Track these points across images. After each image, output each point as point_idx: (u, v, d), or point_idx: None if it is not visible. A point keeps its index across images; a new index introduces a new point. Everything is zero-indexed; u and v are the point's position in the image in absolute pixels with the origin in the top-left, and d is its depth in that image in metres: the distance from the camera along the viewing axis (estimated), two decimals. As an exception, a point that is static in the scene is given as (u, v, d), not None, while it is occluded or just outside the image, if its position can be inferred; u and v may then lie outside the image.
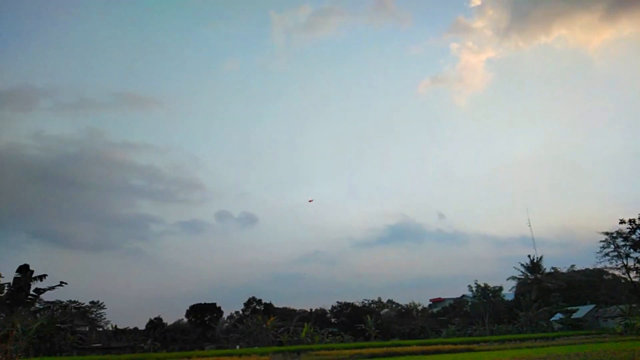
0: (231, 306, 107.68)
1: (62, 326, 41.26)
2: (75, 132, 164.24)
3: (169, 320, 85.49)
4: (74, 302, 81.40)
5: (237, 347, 65.25)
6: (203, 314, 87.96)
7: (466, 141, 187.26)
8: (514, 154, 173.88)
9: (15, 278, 21.43)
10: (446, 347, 40.40)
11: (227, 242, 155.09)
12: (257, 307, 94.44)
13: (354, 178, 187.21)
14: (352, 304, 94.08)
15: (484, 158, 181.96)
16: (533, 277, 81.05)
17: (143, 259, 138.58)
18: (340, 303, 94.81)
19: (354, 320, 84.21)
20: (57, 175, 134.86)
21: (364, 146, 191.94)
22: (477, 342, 47.93)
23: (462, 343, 45.53)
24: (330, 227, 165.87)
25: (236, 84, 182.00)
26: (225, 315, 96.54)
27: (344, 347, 47.30)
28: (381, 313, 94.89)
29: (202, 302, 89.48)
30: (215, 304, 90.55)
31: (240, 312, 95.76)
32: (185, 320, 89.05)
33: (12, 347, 21.24)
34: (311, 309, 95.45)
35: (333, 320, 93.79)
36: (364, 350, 39.40)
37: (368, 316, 79.32)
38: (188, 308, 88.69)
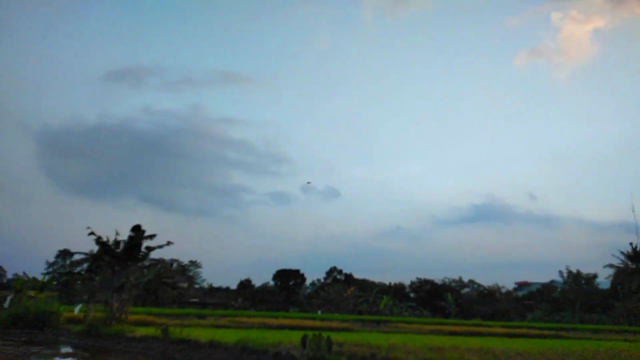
0: (313, 274, 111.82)
1: (168, 281, 46.55)
2: (179, 108, 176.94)
3: (257, 282, 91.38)
4: (176, 260, 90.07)
5: (319, 312, 68.28)
6: (288, 279, 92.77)
7: (565, 118, 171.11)
8: (618, 134, 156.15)
9: (129, 236, 24.41)
10: (532, 331, 38.91)
11: (311, 213, 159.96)
12: (338, 276, 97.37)
13: (441, 155, 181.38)
14: (432, 280, 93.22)
15: (584, 137, 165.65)
16: (634, 267, 73.89)
17: (236, 225, 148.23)
18: (420, 279, 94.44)
19: (432, 297, 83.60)
20: (163, 147, 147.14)
21: (453, 121, 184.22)
22: (566, 330, 45.47)
23: (549, 329, 43.50)
24: (414, 203, 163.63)
25: (327, 61, 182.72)
26: (307, 282, 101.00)
27: (424, 321, 47.50)
28: (462, 292, 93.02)
29: (287, 268, 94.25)
30: (299, 270, 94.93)
31: (322, 280, 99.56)
32: (272, 283, 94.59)
33: (125, 297, 24.53)
34: (390, 283, 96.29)
35: (412, 295, 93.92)
36: (444, 327, 39.35)
37: (449, 294, 78.26)
38: (274, 272, 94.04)
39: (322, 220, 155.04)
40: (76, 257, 28.83)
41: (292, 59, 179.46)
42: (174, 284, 57.10)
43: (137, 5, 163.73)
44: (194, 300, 68.62)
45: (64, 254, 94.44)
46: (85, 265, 32.75)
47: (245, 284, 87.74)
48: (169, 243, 25.15)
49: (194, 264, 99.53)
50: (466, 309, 79.80)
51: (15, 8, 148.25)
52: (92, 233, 23.67)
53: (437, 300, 79.63)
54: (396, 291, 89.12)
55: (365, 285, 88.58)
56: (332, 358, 13.17)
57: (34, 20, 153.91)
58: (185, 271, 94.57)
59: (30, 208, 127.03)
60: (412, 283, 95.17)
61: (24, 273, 35.10)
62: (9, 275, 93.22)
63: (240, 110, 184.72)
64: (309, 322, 36.82)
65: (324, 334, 14.08)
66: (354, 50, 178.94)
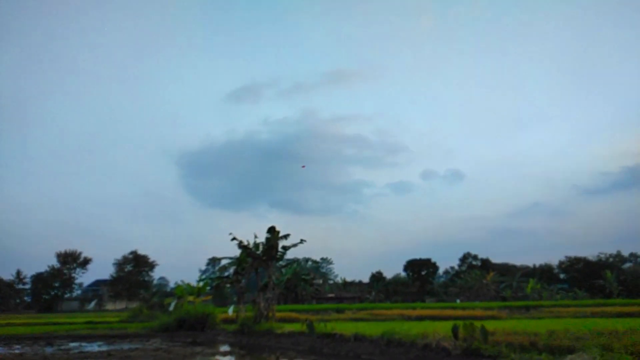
0: (445, 261, 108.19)
1: (306, 278, 48.57)
2: (293, 114, 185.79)
3: (388, 273, 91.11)
4: (308, 258, 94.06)
5: (457, 300, 65.41)
6: (419, 269, 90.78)
7: None
8: None
9: (266, 238, 25.71)
10: None
11: (435, 200, 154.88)
12: (473, 262, 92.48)
13: (579, 116, 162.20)
14: (584, 258, 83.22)
15: None
16: None
17: (360, 220, 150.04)
18: (570, 257, 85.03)
19: (587, 276, 74.68)
20: (284, 153, 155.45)
21: (585, 79, 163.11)
22: None
23: None
24: (551, 175, 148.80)
25: (431, 41, 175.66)
26: (440, 270, 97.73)
27: (582, 304, 42.49)
28: (623, 268, 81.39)
29: (417, 258, 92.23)
30: (430, 259, 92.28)
31: (456, 268, 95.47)
32: (403, 274, 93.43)
33: (270, 295, 25.79)
34: (534, 265, 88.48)
35: (562, 276, 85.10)
36: (608, 309, 34.57)
37: (607, 271, 69.05)
38: (405, 263, 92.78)
39: (448, 206, 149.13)
40: (223, 262, 31.22)
41: (395, 45, 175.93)
42: (310, 281, 59.52)
43: (245, 26, 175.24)
44: (331, 295, 70.74)
45: (213, 260, 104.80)
46: (231, 270, 35.42)
47: (377, 277, 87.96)
48: (302, 241, 25.93)
49: (325, 260, 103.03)
50: (632, 286, 69.63)
51: (150, 47, 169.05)
52: (234, 238, 25.46)
53: (594, 279, 70.86)
54: (542, 273, 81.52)
55: (505, 270, 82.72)
56: (489, 348, 12.04)
57: (163, 56, 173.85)
58: (319, 268, 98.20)
59: (182, 224, 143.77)
60: (561, 263, 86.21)
61: (182, 281, 39.43)
62: (171, 284, 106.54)
63: (351, 106, 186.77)
64: (449, 312, 35.22)
65: (477, 323, 12.97)
66: (460, 25, 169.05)
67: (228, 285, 73.63)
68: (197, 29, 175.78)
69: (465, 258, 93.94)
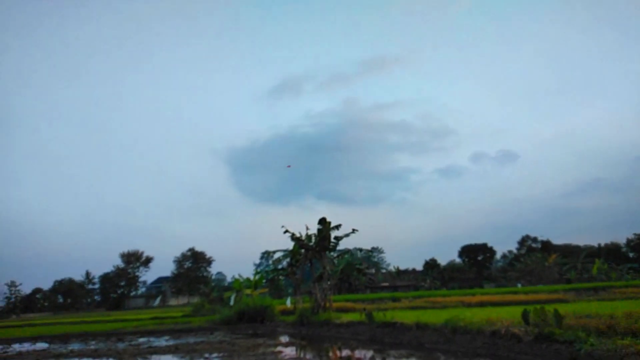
0: (503, 245, 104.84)
1: (360, 267, 48.44)
2: (334, 105, 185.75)
3: (442, 260, 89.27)
4: (359, 248, 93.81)
5: (519, 285, 62.98)
6: (475, 254, 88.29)
7: None
8: None
9: (318, 229, 25.69)
10: None
11: (487, 182, 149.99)
12: (533, 245, 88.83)
13: (637, 87, 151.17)
14: (656, 234, 77.74)
15: None
16: None
17: (409, 207, 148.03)
18: (639, 234, 79.67)
19: (661, 254, 69.71)
20: (327, 145, 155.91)
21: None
22: None
23: None
24: (611, 148, 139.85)
25: (472, 19, 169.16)
26: (497, 255, 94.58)
27: (657, 284, 39.58)
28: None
29: (473, 243, 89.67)
30: (486, 244, 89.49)
31: (514, 251, 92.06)
32: (458, 260, 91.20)
33: (326, 286, 25.80)
34: (599, 244, 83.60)
35: (631, 254, 79.86)
36: (690, 288, 32.06)
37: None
38: (460, 249, 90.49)
39: (501, 188, 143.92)
40: (276, 255, 31.74)
41: (434, 27, 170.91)
42: (364, 270, 59.34)
43: (281, 21, 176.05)
44: (385, 284, 70.19)
45: (266, 254, 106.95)
46: (284, 262, 35.77)
47: (431, 264, 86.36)
48: (354, 231, 25.70)
49: (376, 250, 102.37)
50: None
51: (194, 50, 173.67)
52: (287, 231, 25.63)
53: (669, 257, 66.09)
54: (609, 252, 76.90)
55: (568, 251, 78.77)
56: (564, 333, 11.33)
57: (208, 58, 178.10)
58: (370, 258, 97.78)
59: (234, 220, 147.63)
60: (629, 241, 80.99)
61: (239, 275, 40.37)
62: (228, 279, 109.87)
63: (393, 93, 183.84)
64: (510, 297, 33.86)
65: (548, 307, 12.25)
66: (496, 5, 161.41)
67: (282, 278, 74.93)
68: (235, 28, 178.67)
69: (523, 241, 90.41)
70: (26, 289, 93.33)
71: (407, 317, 17.93)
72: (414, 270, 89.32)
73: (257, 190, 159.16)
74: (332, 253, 28.04)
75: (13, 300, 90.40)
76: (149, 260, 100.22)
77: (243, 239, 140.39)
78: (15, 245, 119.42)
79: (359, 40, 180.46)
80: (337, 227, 25.48)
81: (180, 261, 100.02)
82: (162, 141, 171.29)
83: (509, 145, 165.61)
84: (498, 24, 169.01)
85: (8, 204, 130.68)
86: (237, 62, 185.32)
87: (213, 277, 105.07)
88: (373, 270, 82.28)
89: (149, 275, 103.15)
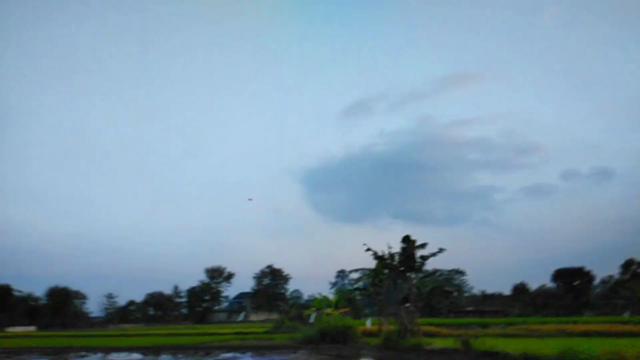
0: (601, 269, 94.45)
1: (450, 289, 46.12)
2: (408, 123, 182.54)
3: (532, 285, 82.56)
4: (439, 270, 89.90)
5: (626, 314, 56.19)
6: (571, 279, 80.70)
7: None
8: None
9: (402, 247, 24.62)
10: None
11: (581, 202, 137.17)
12: (638, 270, 79.39)
13: None
14: None
15: None
16: None
17: (492, 228, 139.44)
18: None
19: None
20: (402, 163, 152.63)
21: None
22: None
23: None
24: None
25: (559, 29, 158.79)
26: (597, 280, 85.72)
27: None
28: None
29: (567, 267, 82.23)
30: (582, 268, 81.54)
31: (616, 276, 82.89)
32: (550, 285, 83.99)
33: (412, 308, 24.52)
34: None
35: None
36: None
37: None
38: (552, 272, 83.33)
39: (597, 208, 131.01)
40: (355, 274, 31.05)
41: (517, 38, 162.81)
42: (446, 293, 56.39)
43: (354, 40, 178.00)
44: (469, 309, 66.24)
45: (342, 272, 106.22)
46: (361, 283, 34.84)
47: (520, 288, 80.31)
48: (441, 250, 24.30)
49: (456, 271, 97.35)
50: None
51: (271, 72, 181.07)
52: (369, 249, 24.87)
53: None
54: None
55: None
56: None
57: (283, 78, 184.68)
58: (450, 280, 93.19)
59: (308, 238, 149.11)
60: None
61: (319, 293, 40.10)
62: (305, 296, 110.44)
63: (471, 108, 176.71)
64: (619, 327, 30.04)
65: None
66: (594, 10, 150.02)
67: (360, 297, 73.40)
68: (308, 50, 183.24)
69: (627, 265, 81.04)
70: (122, 301, 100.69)
71: (506, 346, 16.27)
72: (500, 294, 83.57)
73: (331, 209, 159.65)
74: (419, 273, 26.67)
75: (110, 311, 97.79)
76: (230, 275, 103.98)
77: (317, 257, 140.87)
78: (113, 260, 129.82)
79: (436, 57, 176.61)
80: (423, 245, 24.26)
81: (259, 277, 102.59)
82: (244, 162, 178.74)
83: (604, 161, 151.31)
84: (590, 30, 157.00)
85: (108, 222, 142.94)
86: (311, 84, 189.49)
87: (290, 294, 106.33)
88: (456, 294, 78.21)
89: (230, 291, 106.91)
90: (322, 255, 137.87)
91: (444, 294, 53.03)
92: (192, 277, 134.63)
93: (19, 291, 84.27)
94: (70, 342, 33.62)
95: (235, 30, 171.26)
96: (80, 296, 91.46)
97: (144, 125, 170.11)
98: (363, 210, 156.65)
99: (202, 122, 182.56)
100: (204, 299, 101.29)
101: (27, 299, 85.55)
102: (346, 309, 37.15)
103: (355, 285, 42.03)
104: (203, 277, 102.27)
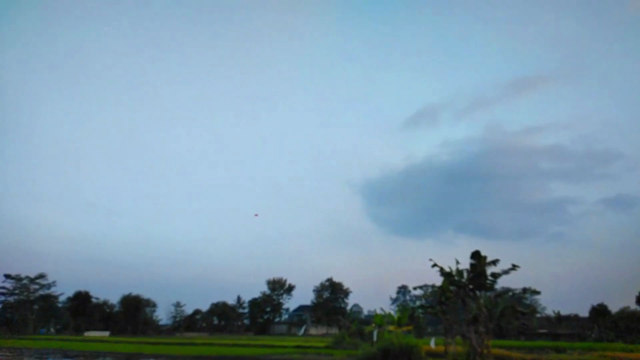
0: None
1: (524, 310, 43.08)
2: (475, 132, 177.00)
3: (613, 307, 75.71)
4: (507, 288, 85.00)
5: None
6: (659, 302, 73.16)
7: None
8: None
9: (471, 264, 23.44)
10: None
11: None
12: None
13: None
14: None
15: None
16: None
17: (567, 243, 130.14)
18: None
19: None
20: (467, 174, 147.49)
21: None
22: None
23: None
24: None
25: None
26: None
27: None
28: None
29: (655, 288, 74.60)
30: (673, 289, 73.67)
31: None
32: (635, 307, 76.53)
33: (483, 329, 23.18)
34: None
35: None
36: None
37: None
38: (637, 294, 75.97)
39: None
40: (417, 291, 30.02)
41: (593, 39, 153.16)
42: (516, 314, 52.83)
43: (416, 48, 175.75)
44: (542, 331, 61.86)
45: (403, 289, 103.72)
46: (424, 300, 33.54)
47: (599, 310, 73.87)
48: (514, 267, 22.85)
49: (528, 290, 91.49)
50: None
51: (330, 83, 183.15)
52: (435, 265, 23.93)
53: None
54: None
55: None
56: None
57: (342, 90, 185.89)
58: (521, 299, 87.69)
59: (368, 252, 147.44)
60: None
61: (382, 309, 39.18)
62: (364, 312, 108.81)
63: (543, 114, 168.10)
64: None
65: None
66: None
67: (422, 315, 71.01)
68: (369, 59, 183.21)
69: None
70: (188, 310, 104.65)
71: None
72: (576, 316, 77.39)
73: (391, 222, 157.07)
74: (489, 292, 25.25)
75: (178, 319, 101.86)
76: (291, 287, 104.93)
77: (377, 271, 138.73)
78: (180, 270, 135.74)
79: (504, 60, 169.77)
80: (494, 262, 22.96)
81: (319, 291, 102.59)
82: (304, 175, 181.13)
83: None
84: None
85: (176, 234, 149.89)
86: (372, 94, 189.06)
87: (349, 309, 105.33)
88: (527, 314, 73.39)
89: (290, 303, 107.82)
90: (382, 270, 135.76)
91: (515, 314, 49.79)
92: (254, 287, 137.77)
93: (96, 298, 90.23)
94: (141, 349, 35.26)
95: (294, 41, 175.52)
96: (150, 304, 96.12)
97: (212, 141, 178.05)
98: (425, 224, 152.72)
99: (264, 136, 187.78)
100: (265, 310, 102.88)
101: (103, 305, 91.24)
102: (409, 327, 35.93)
103: (419, 303, 40.71)
104: (264, 288, 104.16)
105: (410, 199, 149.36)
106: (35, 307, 79.22)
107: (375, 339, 32.09)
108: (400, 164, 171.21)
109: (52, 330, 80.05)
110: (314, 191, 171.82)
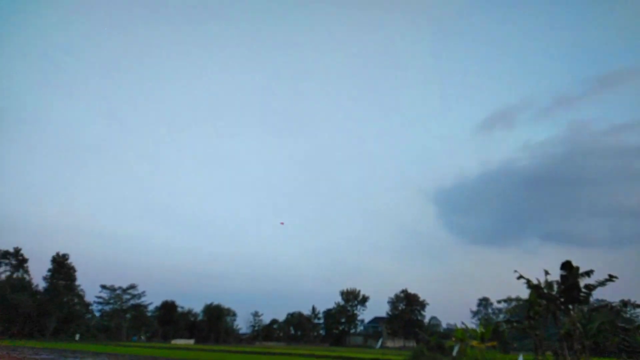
0: None
1: (628, 326, 39.00)
2: (557, 132, 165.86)
3: None
4: (602, 301, 77.50)
5: None
6: None
7: None
8: None
9: (561, 276, 21.61)
10: None
11: None
12: None
13: None
14: None
15: None
16: None
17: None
18: None
19: None
20: (550, 178, 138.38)
21: None
22: None
23: None
24: None
25: None
26: None
27: None
28: None
29: None
30: None
31: None
32: None
33: (578, 347, 21.20)
34: None
35: None
36: None
37: None
38: None
39: None
40: (502, 304, 28.13)
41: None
42: (624, 330, 47.69)
43: (487, 49, 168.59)
44: (648, 350, 55.27)
45: (484, 301, 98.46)
46: (507, 315, 31.49)
47: None
48: (611, 278, 20.74)
49: (628, 303, 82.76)
50: None
51: (404, 92, 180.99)
52: (521, 277, 22.34)
53: None
54: None
55: None
56: None
57: (412, 96, 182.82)
58: (619, 313, 79.51)
59: (444, 262, 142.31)
60: None
61: (463, 323, 37.34)
62: (443, 325, 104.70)
63: (632, 110, 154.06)
64: None
65: None
66: None
67: (507, 330, 66.69)
68: (438, 60, 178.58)
69: None
70: (266, 319, 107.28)
71: None
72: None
73: (468, 231, 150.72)
74: (583, 305, 23.14)
75: (257, 328, 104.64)
76: (365, 299, 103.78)
77: (455, 282, 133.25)
78: (259, 280, 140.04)
79: (587, 54, 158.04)
80: (588, 273, 20.99)
81: (394, 302, 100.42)
82: (376, 184, 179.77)
83: None
84: None
85: (255, 245, 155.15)
86: (443, 97, 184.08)
87: (427, 321, 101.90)
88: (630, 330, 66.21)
89: (365, 314, 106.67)
90: (460, 281, 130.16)
91: (615, 330, 45.09)
92: (328, 298, 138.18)
93: (182, 307, 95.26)
94: (223, 357, 36.48)
95: (368, 45, 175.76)
96: (231, 313, 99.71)
97: (295, 155, 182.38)
98: (505, 232, 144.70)
99: (333, 145, 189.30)
100: (340, 321, 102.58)
101: (188, 314, 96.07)
102: (493, 343, 33.82)
103: (503, 317, 38.27)
104: (338, 299, 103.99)
105: (488, 206, 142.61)
106: (128, 315, 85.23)
107: (455, 354, 30.61)
108: (475, 170, 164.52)
109: (142, 337, 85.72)
110: (386, 200, 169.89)
